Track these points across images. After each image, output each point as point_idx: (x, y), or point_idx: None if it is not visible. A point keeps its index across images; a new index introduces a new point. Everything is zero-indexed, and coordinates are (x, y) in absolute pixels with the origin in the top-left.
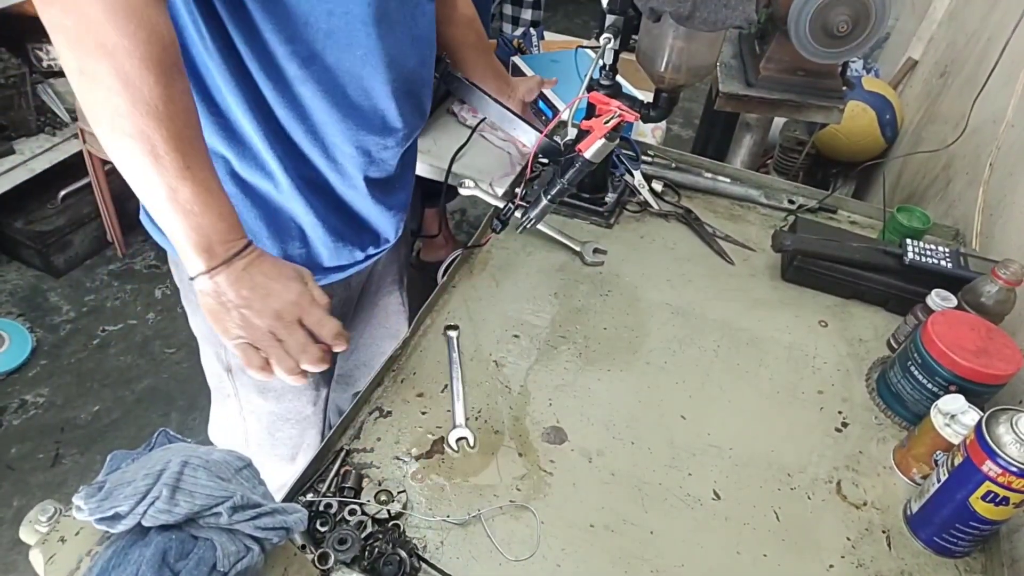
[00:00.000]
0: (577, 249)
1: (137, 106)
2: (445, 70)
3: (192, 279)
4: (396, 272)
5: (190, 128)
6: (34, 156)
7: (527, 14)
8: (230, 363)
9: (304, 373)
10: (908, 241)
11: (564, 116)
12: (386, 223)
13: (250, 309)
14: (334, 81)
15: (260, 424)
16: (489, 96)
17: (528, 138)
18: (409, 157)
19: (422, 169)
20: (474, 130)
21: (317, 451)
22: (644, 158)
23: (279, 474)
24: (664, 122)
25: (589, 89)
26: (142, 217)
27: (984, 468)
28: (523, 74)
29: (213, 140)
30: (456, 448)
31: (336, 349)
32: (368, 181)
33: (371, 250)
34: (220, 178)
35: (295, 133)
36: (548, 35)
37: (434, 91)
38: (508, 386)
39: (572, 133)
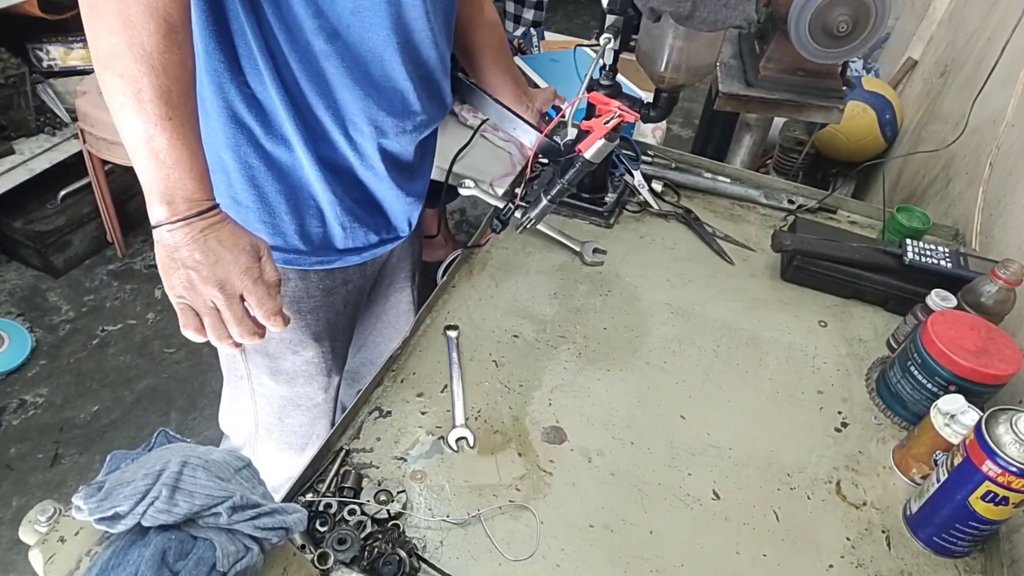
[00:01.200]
0: (577, 249)
1: (132, 49)
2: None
3: (152, 228)
4: (409, 268)
5: (180, 82)
6: (34, 156)
7: (529, 14)
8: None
9: (238, 343)
10: (908, 241)
11: (564, 116)
12: (401, 209)
13: (197, 273)
14: (357, 59)
15: (271, 408)
16: (489, 96)
17: (528, 138)
18: (428, 147)
19: None
20: (476, 131)
21: (317, 450)
22: (644, 158)
23: (288, 466)
24: (664, 122)
25: (589, 89)
26: None
27: (984, 468)
28: (523, 75)
29: (239, 109)
30: (456, 448)
31: (272, 329)
32: (386, 163)
33: (384, 235)
34: (245, 148)
35: (317, 108)
36: (548, 35)
37: None
38: (508, 386)
39: (572, 133)
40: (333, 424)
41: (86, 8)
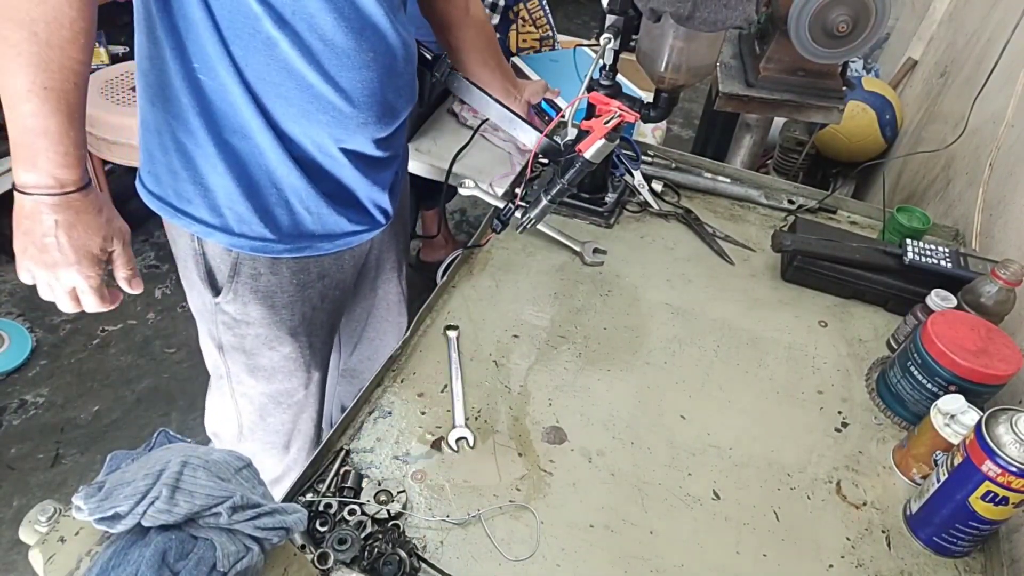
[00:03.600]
0: (577, 249)
1: (17, 12)
2: (447, 70)
3: (15, 190)
4: (394, 259)
5: (64, 62)
6: None
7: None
8: (221, 340)
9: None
10: (908, 241)
11: (564, 116)
12: (372, 196)
13: (50, 271)
14: (309, 48)
15: (252, 407)
16: (489, 96)
17: (528, 138)
18: (396, 140)
19: (422, 169)
20: (476, 131)
21: (317, 450)
22: (644, 158)
23: (273, 466)
24: (664, 122)
25: (589, 89)
26: (138, 185)
27: (984, 468)
28: (523, 75)
29: (195, 101)
30: (456, 448)
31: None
32: (348, 155)
33: (355, 219)
34: (205, 138)
35: (272, 99)
36: None
37: (433, 89)
38: (508, 386)
39: (572, 133)
40: (318, 420)
41: None
